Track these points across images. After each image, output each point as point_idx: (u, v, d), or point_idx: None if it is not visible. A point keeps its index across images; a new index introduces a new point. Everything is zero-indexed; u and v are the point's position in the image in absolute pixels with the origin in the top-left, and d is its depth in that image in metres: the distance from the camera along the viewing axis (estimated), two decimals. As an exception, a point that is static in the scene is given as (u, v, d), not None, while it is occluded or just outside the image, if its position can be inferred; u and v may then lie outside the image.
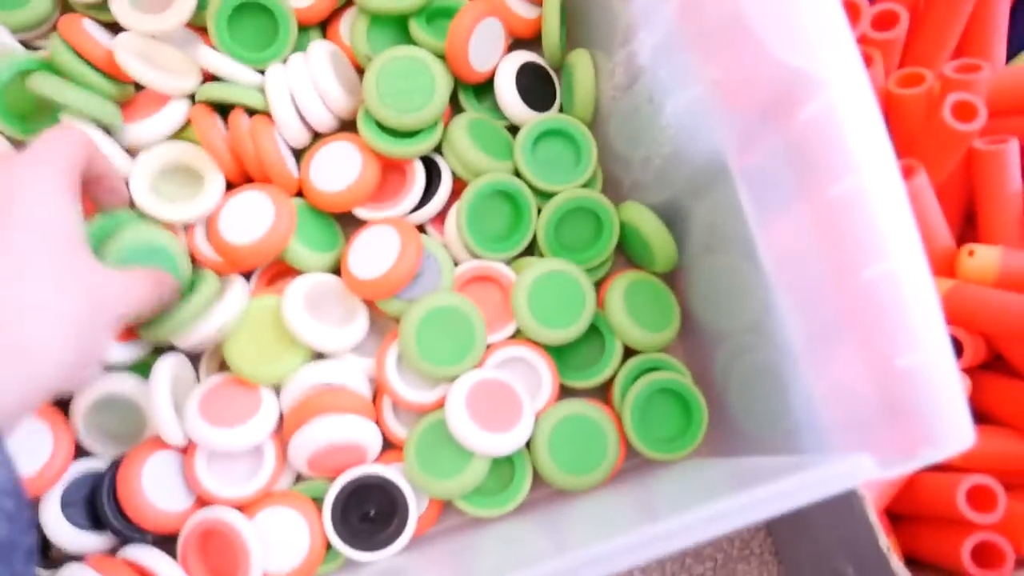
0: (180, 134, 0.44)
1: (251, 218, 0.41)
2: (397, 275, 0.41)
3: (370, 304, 0.43)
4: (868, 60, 0.42)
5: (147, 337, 0.39)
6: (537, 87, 0.47)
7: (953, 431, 0.27)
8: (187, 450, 0.40)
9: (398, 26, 0.46)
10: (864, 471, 0.28)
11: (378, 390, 0.42)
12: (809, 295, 0.35)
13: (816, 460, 0.31)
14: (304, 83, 0.43)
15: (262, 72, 0.44)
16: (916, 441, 0.29)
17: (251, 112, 0.44)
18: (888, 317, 0.29)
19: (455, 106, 0.47)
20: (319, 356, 0.42)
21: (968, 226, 0.46)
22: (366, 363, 0.42)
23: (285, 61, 0.45)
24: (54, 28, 0.44)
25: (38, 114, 0.42)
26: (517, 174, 0.45)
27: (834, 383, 0.34)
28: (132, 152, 0.43)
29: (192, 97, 0.44)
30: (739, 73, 0.33)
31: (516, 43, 0.48)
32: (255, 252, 0.41)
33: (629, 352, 0.44)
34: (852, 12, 0.41)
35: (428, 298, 0.41)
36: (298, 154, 0.45)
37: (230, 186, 0.44)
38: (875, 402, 0.31)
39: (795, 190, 0.33)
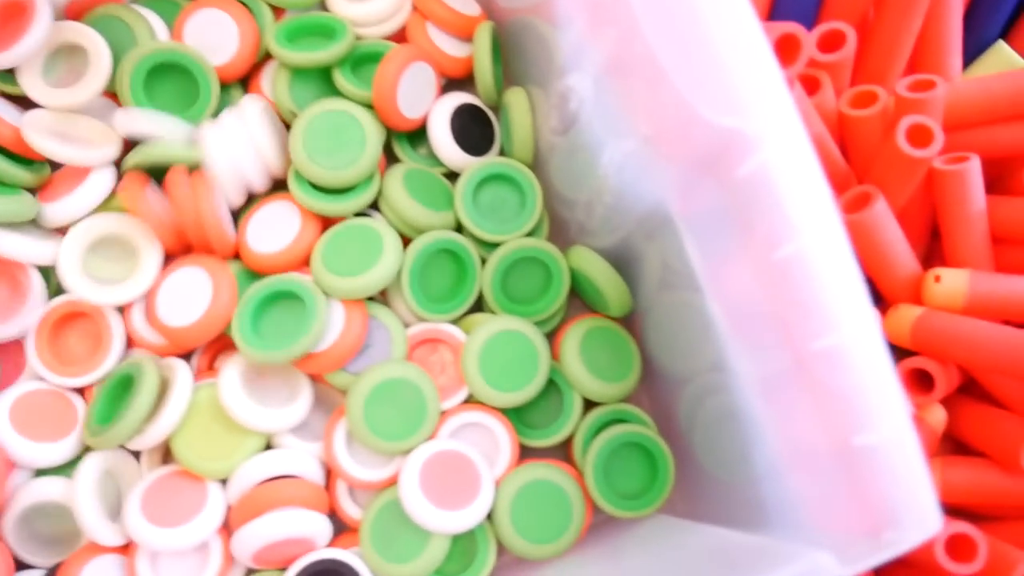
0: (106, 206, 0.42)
1: (190, 296, 0.39)
2: (341, 348, 0.39)
3: (317, 379, 0.41)
4: (816, 84, 0.40)
5: (96, 446, 0.38)
6: (475, 129, 0.44)
7: (917, 517, 0.26)
8: (128, 550, 0.38)
9: (322, 77, 0.43)
10: (825, 571, 0.26)
11: (330, 472, 0.41)
12: (760, 349, 0.33)
13: (780, 547, 0.29)
14: (241, 140, 0.41)
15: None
16: (879, 525, 0.27)
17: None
18: (843, 395, 0.27)
19: (390, 157, 0.45)
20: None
21: (935, 242, 0.44)
22: (315, 447, 0.40)
23: (214, 118, 0.42)
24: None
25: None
26: (459, 224, 0.43)
27: (795, 445, 0.32)
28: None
29: (117, 167, 0.42)
30: (670, 131, 0.31)
31: (450, 84, 0.46)
32: (197, 332, 0.39)
33: (590, 404, 0.42)
34: (791, 44, 0.38)
35: (374, 370, 0.39)
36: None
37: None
38: (836, 475, 0.29)
39: (737, 246, 0.31)
